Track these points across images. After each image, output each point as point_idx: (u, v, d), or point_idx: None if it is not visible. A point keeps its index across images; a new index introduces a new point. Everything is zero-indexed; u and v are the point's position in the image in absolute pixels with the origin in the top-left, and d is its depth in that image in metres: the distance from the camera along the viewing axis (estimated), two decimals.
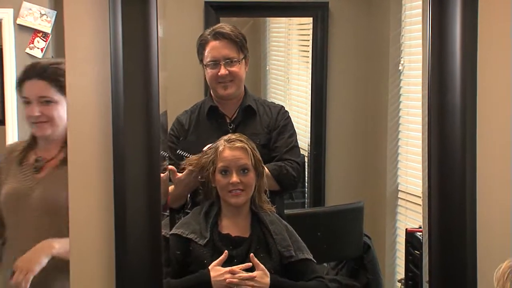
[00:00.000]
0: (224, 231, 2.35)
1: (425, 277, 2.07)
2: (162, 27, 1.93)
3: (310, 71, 3.45)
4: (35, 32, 4.38)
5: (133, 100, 1.86)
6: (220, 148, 2.37)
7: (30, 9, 4.36)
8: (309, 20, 3.70)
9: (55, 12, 4.37)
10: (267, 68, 4.12)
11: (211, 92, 2.76)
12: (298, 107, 3.45)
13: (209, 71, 2.70)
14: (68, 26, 1.94)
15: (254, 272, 2.25)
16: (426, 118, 1.97)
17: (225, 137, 2.41)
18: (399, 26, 3.34)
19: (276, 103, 2.82)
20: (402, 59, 3.32)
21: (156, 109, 1.88)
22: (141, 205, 1.89)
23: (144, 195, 1.89)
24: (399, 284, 3.01)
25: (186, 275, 2.29)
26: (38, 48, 4.38)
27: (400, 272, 3.05)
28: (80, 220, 1.96)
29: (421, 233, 2.35)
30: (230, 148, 2.36)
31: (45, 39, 4.38)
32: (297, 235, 2.41)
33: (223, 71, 2.65)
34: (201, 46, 2.73)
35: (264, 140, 2.66)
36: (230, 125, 2.69)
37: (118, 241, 1.89)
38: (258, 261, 2.27)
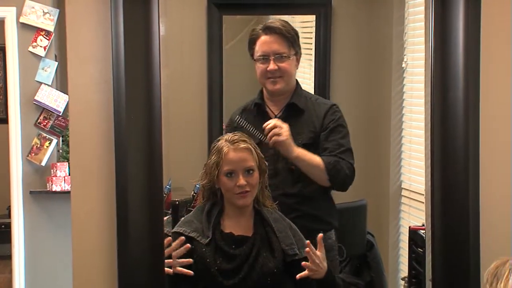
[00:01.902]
0: (227, 230, 2.34)
1: (429, 275, 2.06)
2: (164, 25, 1.93)
3: (313, 68, 3.44)
4: (38, 30, 4.39)
5: (135, 98, 1.86)
6: (225, 150, 2.32)
7: (33, 7, 4.36)
8: (312, 17, 3.69)
9: (58, 10, 4.38)
10: None
11: (263, 88, 2.73)
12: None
13: (258, 66, 2.66)
14: (70, 24, 1.94)
15: (318, 252, 2.26)
16: (429, 116, 1.97)
17: (227, 137, 2.37)
18: (402, 23, 3.33)
19: (328, 100, 2.73)
20: (405, 56, 3.31)
21: (158, 107, 1.88)
22: (143, 203, 1.89)
23: (146, 192, 1.89)
24: (402, 282, 3.01)
25: None
26: (41, 46, 4.39)
27: (404, 270, 3.05)
28: (82, 218, 1.96)
29: (424, 231, 2.34)
30: (234, 150, 2.32)
31: (48, 37, 4.38)
32: (300, 233, 2.41)
33: (272, 66, 2.61)
34: (252, 40, 2.69)
35: (306, 139, 2.60)
36: None
37: (120, 239, 1.90)
38: (322, 243, 2.27)
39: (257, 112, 2.71)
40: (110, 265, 1.93)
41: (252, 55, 2.71)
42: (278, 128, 2.50)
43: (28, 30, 4.38)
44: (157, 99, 1.88)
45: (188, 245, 2.25)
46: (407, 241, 2.71)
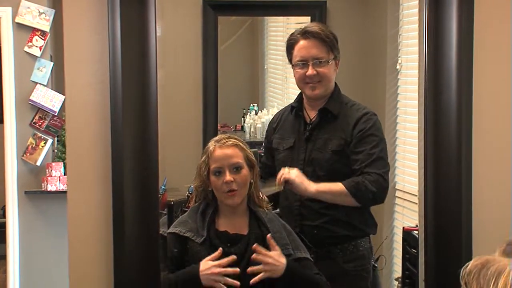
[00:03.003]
0: (221, 229, 2.34)
1: (422, 275, 2.07)
2: (160, 26, 1.94)
3: None
4: (33, 30, 4.39)
5: (132, 98, 1.87)
6: (211, 148, 2.32)
7: (29, 7, 4.36)
8: (307, 19, 3.70)
9: (54, 10, 4.38)
10: (265, 67, 4.13)
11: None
12: None
13: (297, 71, 2.63)
14: (67, 25, 1.95)
15: (271, 252, 2.25)
16: (423, 118, 1.98)
17: (215, 138, 2.37)
18: (396, 25, 3.35)
19: (363, 108, 2.65)
20: (399, 58, 3.33)
21: (154, 107, 1.89)
22: (138, 202, 1.89)
23: (142, 192, 1.90)
24: (396, 283, 3.02)
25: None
26: (36, 46, 4.39)
27: (397, 271, 3.06)
28: (79, 218, 1.97)
29: (417, 232, 2.35)
30: (220, 147, 2.32)
31: (43, 38, 4.38)
32: (295, 234, 2.42)
33: (311, 71, 2.57)
34: (290, 45, 2.65)
35: (336, 147, 2.57)
36: (308, 126, 2.65)
37: (116, 239, 1.90)
38: (274, 243, 2.26)
39: (294, 116, 2.71)
40: (106, 264, 1.93)
41: (290, 60, 2.67)
42: (286, 173, 2.51)
43: (24, 30, 4.38)
44: (154, 100, 1.88)
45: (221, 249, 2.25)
46: (401, 242, 2.73)
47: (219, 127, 3.79)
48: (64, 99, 4.27)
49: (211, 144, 2.34)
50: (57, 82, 4.50)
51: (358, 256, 2.61)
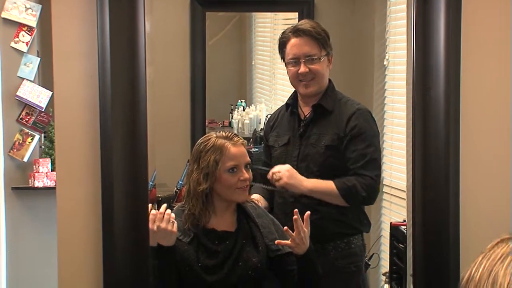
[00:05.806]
0: (209, 226, 2.34)
1: (409, 270, 2.09)
2: (148, 21, 1.94)
3: None
4: (20, 26, 4.36)
5: (121, 93, 1.87)
6: (227, 146, 2.30)
7: (15, 2, 4.34)
8: (295, 15, 3.72)
9: (40, 6, 4.35)
10: (253, 63, 4.14)
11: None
12: (284, 102, 3.46)
13: (290, 69, 2.64)
14: (56, 20, 1.94)
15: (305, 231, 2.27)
16: (411, 114, 1.99)
17: (221, 135, 2.34)
18: (384, 22, 3.36)
19: (357, 104, 2.67)
20: (387, 54, 3.35)
21: (144, 103, 1.89)
22: (128, 198, 1.89)
23: (131, 188, 1.89)
24: (383, 277, 3.04)
25: (173, 272, 2.28)
26: (23, 42, 4.36)
27: (385, 266, 3.08)
28: (68, 213, 1.97)
29: (405, 227, 2.37)
30: (234, 145, 2.31)
31: (30, 33, 4.36)
32: (283, 229, 2.42)
33: (303, 68, 2.58)
34: (282, 44, 2.67)
35: (329, 141, 2.59)
36: (302, 123, 2.66)
37: (105, 234, 1.90)
38: (301, 223, 2.25)
39: (289, 113, 2.72)
40: (95, 260, 1.93)
41: (282, 58, 2.69)
42: (276, 174, 2.57)
43: (10, 26, 4.35)
44: (143, 95, 1.88)
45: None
46: (389, 237, 2.74)
47: (206, 123, 3.80)
48: (52, 95, 4.27)
49: (222, 142, 2.31)
50: (44, 78, 4.47)
51: (350, 253, 2.63)
